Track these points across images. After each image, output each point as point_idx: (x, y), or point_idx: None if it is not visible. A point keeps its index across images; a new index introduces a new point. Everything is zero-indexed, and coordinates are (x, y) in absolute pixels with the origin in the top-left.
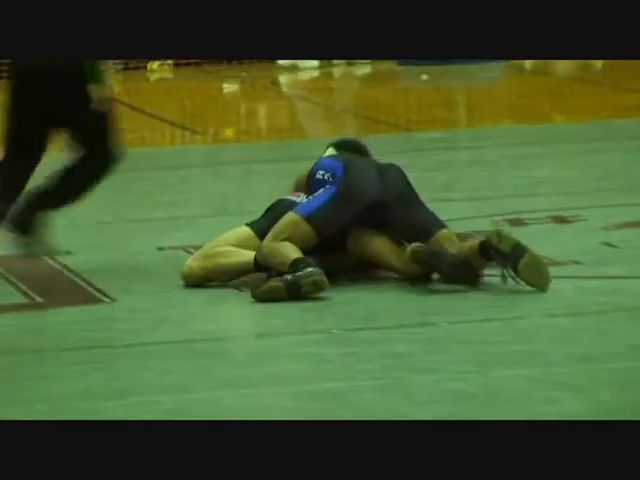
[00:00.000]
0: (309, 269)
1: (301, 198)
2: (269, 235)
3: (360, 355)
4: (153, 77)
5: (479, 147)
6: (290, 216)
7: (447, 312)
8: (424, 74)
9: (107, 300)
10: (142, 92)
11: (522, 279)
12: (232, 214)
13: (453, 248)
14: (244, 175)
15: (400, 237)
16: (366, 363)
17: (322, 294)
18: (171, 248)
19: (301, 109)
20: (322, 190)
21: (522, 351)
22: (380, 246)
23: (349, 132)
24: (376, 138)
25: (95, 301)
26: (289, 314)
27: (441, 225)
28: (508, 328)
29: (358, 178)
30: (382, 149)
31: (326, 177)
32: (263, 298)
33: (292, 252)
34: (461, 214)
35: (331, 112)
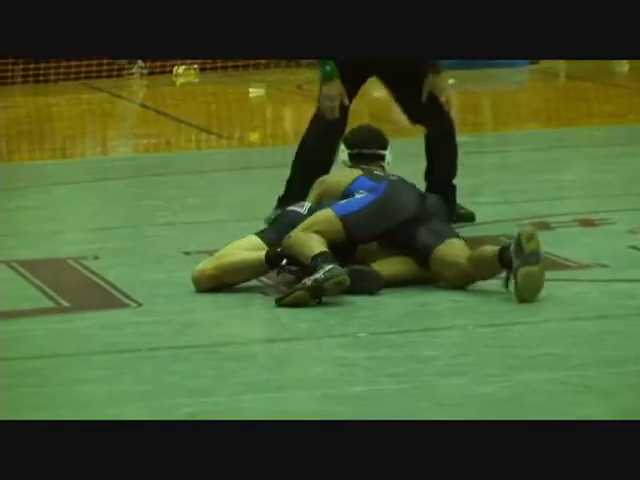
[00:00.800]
0: (328, 266)
1: (304, 209)
2: (301, 225)
3: (386, 359)
4: (179, 81)
5: (505, 151)
6: (326, 211)
7: (472, 316)
8: (451, 79)
9: (133, 304)
10: (168, 97)
11: (516, 282)
12: (258, 218)
13: (466, 253)
14: (270, 179)
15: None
16: (392, 367)
17: (347, 298)
18: (197, 252)
19: None
20: (364, 194)
21: (548, 354)
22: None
23: None
24: (404, 142)
25: (121, 305)
26: (314, 318)
27: (454, 234)
28: (534, 332)
29: (399, 194)
30: (409, 153)
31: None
32: (287, 306)
33: (317, 246)
34: (488, 218)
35: (358, 116)
